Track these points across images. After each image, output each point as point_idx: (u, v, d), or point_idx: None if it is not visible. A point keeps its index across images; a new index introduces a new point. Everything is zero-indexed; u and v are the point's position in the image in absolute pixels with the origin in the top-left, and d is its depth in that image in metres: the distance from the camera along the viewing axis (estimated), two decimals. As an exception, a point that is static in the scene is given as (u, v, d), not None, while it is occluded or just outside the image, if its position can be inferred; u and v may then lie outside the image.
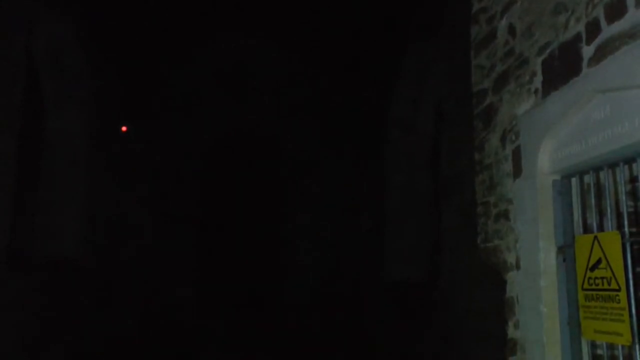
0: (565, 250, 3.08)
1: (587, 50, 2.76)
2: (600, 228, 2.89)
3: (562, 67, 3.00)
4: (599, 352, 2.87)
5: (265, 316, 12.40)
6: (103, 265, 9.88)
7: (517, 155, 3.50)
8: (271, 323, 12.03)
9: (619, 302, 2.63)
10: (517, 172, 3.49)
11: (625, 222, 2.66)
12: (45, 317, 8.01)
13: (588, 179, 3.00)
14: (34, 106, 8.83)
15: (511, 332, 3.51)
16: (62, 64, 9.17)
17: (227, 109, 12.71)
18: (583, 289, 2.90)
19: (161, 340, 10.58)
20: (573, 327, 2.98)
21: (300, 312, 11.86)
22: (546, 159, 3.21)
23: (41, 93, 9.21)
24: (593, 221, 2.91)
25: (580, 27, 2.82)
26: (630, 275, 2.59)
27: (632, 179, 2.84)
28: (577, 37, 2.84)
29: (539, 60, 3.25)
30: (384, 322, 9.83)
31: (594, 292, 2.80)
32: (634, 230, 2.70)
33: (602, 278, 2.75)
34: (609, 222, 2.77)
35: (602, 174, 2.86)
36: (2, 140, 6.99)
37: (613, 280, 2.67)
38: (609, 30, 2.60)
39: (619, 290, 2.63)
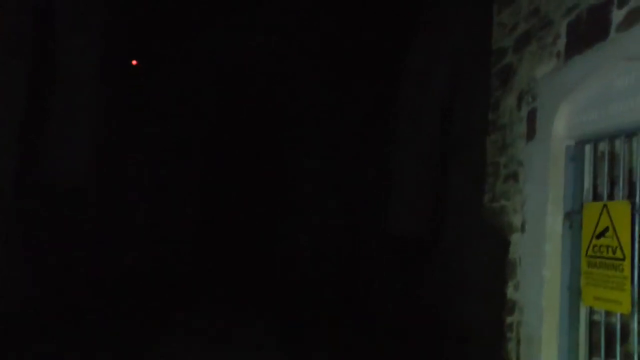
0: (573, 216, 3.07)
1: (618, 15, 2.68)
2: (611, 197, 2.88)
3: (589, 31, 2.92)
4: (596, 318, 2.90)
5: (263, 264, 12.45)
6: (108, 196, 9.96)
7: (532, 117, 3.45)
8: (269, 272, 12.09)
9: (622, 270, 2.64)
10: (530, 134, 3.46)
11: (637, 192, 2.63)
12: (48, 233, 8.12)
13: (603, 146, 2.96)
14: (46, 33, 8.70)
15: (510, 293, 3.54)
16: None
17: (241, 43, 12.44)
18: (587, 256, 2.91)
19: (157, 275, 10.70)
20: (573, 292, 3.01)
21: (300, 260, 11.96)
22: (562, 124, 3.17)
23: (53, 21, 9.05)
24: (604, 189, 2.90)
25: (613, -10, 2.73)
26: (637, 246, 2.59)
27: (648, 150, 2.80)
28: (608, 0, 2.76)
29: (565, 22, 3.17)
30: (384, 276, 9.90)
31: (598, 260, 2.81)
32: (645, 201, 2.68)
33: (608, 246, 2.75)
34: (620, 191, 2.76)
35: (617, 143, 2.82)
36: (13, 68, 6.95)
37: (618, 250, 2.68)
38: (643, -5, 2.52)
39: (623, 259, 2.64)
